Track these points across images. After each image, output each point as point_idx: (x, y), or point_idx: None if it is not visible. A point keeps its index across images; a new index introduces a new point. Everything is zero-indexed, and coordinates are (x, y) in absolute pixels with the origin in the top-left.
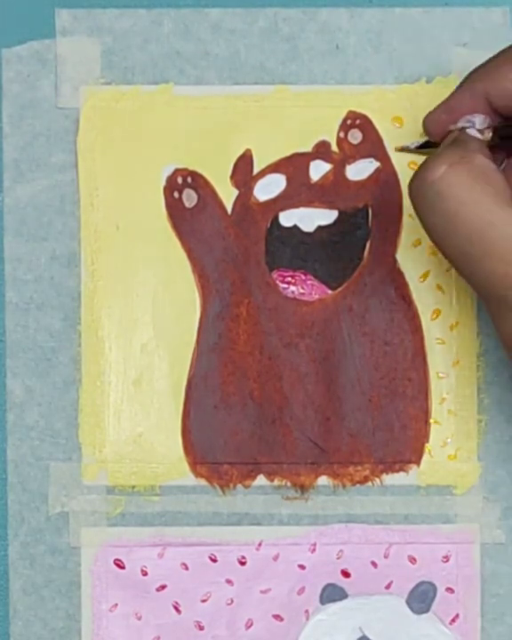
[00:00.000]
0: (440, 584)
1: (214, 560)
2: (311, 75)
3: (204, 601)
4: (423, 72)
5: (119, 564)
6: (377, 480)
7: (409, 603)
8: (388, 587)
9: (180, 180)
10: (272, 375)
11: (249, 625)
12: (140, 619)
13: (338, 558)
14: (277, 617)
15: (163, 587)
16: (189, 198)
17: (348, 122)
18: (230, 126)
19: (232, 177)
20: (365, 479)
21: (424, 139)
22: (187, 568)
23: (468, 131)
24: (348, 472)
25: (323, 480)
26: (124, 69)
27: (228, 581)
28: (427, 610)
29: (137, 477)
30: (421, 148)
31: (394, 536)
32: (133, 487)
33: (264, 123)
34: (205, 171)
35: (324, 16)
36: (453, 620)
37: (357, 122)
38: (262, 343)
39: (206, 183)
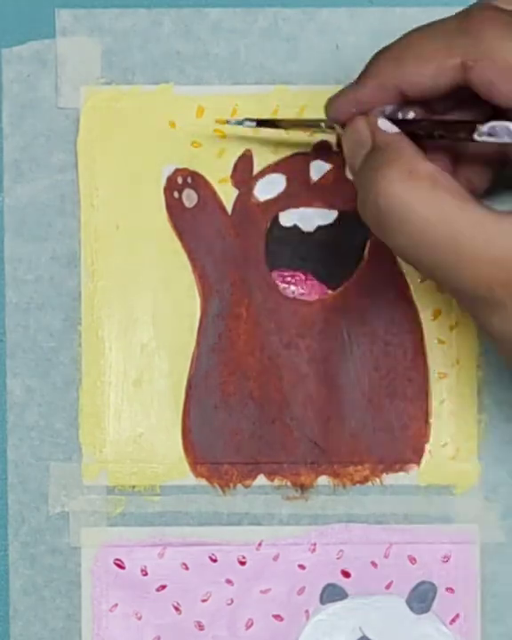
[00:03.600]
0: (440, 584)
1: (214, 560)
2: (311, 75)
3: (204, 601)
4: None
5: (119, 564)
6: (377, 480)
7: (409, 603)
8: (388, 587)
9: (180, 179)
10: (272, 375)
11: (249, 625)
12: (140, 619)
13: (338, 558)
14: (277, 617)
15: (163, 587)
16: (189, 198)
17: None
18: (230, 126)
19: (232, 177)
20: (365, 479)
21: (256, 118)
22: (187, 568)
23: (382, 126)
24: (348, 472)
25: (323, 480)
26: (124, 69)
27: (228, 581)
28: (427, 610)
29: (137, 477)
30: (261, 124)
31: (394, 536)
32: (133, 487)
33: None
34: (205, 171)
35: (324, 16)
36: (453, 620)
37: None
38: (262, 343)
39: (206, 183)
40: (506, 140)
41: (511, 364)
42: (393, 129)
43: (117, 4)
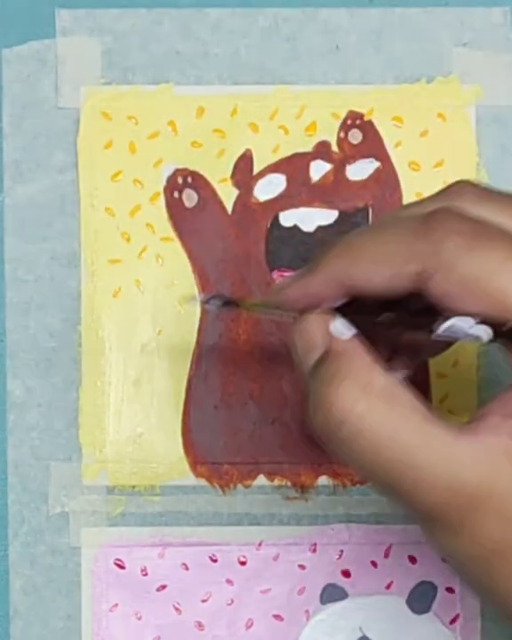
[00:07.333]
0: (440, 584)
1: (214, 560)
2: (311, 75)
3: (204, 601)
4: (423, 72)
5: (119, 564)
6: None
7: (409, 603)
8: (388, 587)
9: (180, 179)
10: (272, 375)
11: (249, 625)
12: (140, 619)
13: (338, 558)
14: (277, 617)
15: (163, 587)
16: (189, 198)
17: (348, 122)
18: (230, 126)
19: (232, 177)
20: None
21: (217, 296)
22: (187, 568)
23: (335, 332)
24: (348, 472)
25: (323, 480)
26: (124, 69)
27: (228, 581)
28: (427, 610)
29: (137, 477)
30: (226, 304)
31: (394, 536)
32: (133, 487)
33: (264, 123)
34: (205, 171)
35: (324, 16)
36: (453, 620)
37: (357, 122)
38: (262, 343)
39: (206, 183)
40: (463, 338)
41: (467, 586)
42: (347, 333)
43: (117, 3)
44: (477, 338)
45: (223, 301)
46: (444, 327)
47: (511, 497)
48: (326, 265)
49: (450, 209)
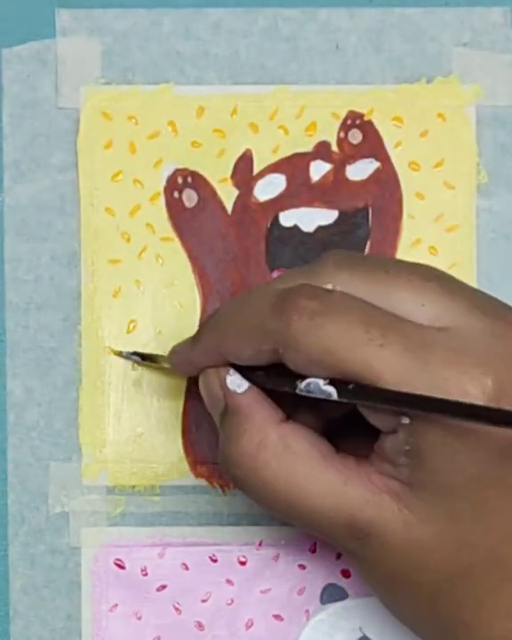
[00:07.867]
0: None
1: (214, 560)
2: (311, 75)
3: (204, 601)
4: (423, 72)
5: (119, 564)
6: None
7: None
8: None
9: (180, 180)
10: None
11: (249, 625)
12: (140, 619)
13: (338, 558)
14: (277, 617)
15: (163, 587)
16: (189, 198)
17: (348, 122)
18: (230, 126)
19: (232, 177)
20: None
21: (136, 353)
22: (187, 568)
23: (231, 386)
24: None
25: None
26: (124, 69)
27: (228, 581)
28: None
29: (137, 477)
30: (137, 354)
31: None
32: (133, 487)
33: (264, 123)
34: (205, 171)
35: (323, 16)
36: None
37: (357, 122)
38: None
39: (206, 183)
40: (319, 396)
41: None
42: (243, 387)
43: (117, 3)
44: (329, 394)
45: (141, 356)
46: (303, 384)
47: (396, 531)
48: (203, 338)
49: (303, 286)
